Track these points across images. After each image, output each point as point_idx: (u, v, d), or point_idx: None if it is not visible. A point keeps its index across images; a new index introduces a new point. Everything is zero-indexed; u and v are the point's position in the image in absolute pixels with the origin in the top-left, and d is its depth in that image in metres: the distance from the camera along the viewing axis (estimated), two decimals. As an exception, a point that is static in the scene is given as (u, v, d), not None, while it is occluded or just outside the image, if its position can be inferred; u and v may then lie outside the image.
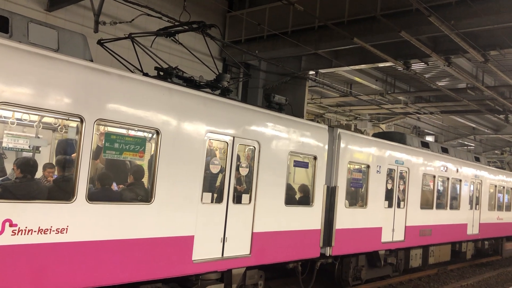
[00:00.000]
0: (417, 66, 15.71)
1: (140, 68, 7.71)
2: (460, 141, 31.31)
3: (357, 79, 17.95)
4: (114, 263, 5.99)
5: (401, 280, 13.45)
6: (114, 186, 6.44)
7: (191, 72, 8.05)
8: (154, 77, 7.13)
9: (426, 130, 28.33)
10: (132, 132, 6.35)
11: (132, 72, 6.99)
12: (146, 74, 7.31)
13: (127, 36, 7.80)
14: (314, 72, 16.23)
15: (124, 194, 6.37)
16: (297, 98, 15.63)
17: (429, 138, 28.45)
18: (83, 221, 5.66)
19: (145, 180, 6.61)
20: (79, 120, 5.69)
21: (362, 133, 20.32)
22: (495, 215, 18.11)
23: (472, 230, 16.30)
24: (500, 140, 30.99)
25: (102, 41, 7.74)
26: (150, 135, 6.53)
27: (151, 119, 6.41)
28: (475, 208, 16.48)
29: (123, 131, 6.33)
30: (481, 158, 18.01)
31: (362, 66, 15.57)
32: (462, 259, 16.84)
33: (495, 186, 18.21)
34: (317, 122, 13.20)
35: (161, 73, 7.44)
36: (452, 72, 14.76)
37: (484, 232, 17.12)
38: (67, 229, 5.51)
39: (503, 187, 18.97)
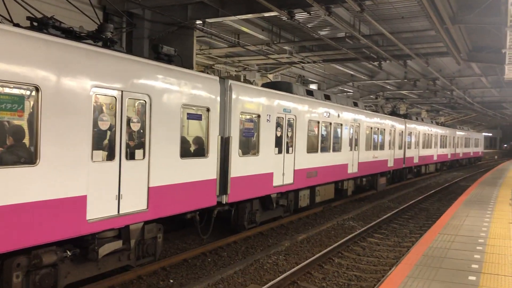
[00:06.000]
0: (300, 16, 16.16)
1: (9, 18, 6.93)
2: (340, 87, 33.40)
3: (244, 29, 18.02)
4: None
5: (292, 220, 14.46)
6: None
7: (69, 23, 7.43)
8: (27, 28, 6.47)
9: (310, 79, 29.66)
10: (7, 90, 5.78)
11: (0, 22, 6.27)
12: (17, 25, 6.60)
13: (-10, -20, 6.90)
14: (201, 22, 15.92)
15: (4, 157, 5.86)
16: (185, 49, 15.27)
17: (313, 86, 29.94)
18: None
19: (27, 140, 6.13)
20: None
21: (251, 83, 20.71)
22: (371, 154, 19.99)
23: (352, 169, 17.89)
24: (374, 85, 33.61)
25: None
26: (28, 92, 6.01)
27: (28, 75, 5.88)
28: (354, 149, 18.02)
29: (-4, 88, 5.74)
30: (359, 103, 19.50)
31: (249, 16, 15.61)
32: (344, 196, 18.49)
33: (371, 128, 19.98)
34: (207, 73, 13.05)
35: (35, 24, 6.79)
36: (332, 22, 15.44)
37: (362, 170, 18.89)
38: None
39: (378, 129, 20.90)
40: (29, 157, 6.02)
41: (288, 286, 8.47)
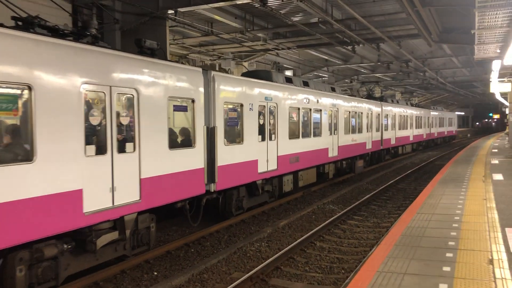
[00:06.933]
0: (273, 2, 16.30)
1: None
2: (315, 73, 33.75)
3: (217, 17, 18.05)
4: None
5: (273, 206, 14.63)
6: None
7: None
8: (12, 28, 6.55)
9: (285, 65, 29.88)
10: (1, 90, 5.88)
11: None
12: (0, 25, 6.65)
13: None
14: (173, 12, 15.84)
15: (2, 155, 5.99)
16: (158, 40, 15.14)
17: (288, 73, 30.18)
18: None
19: (23, 138, 6.27)
20: None
21: (226, 72, 20.83)
22: (350, 138, 20.48)
23: (333, 153, 18.34)
24: (349, 69, 34.08)
25: None
26: (22, 92, 6.13)
27: (21, 75, 6.01)
28: (334, 133, 18.45)
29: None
30: (336, 88, 19.87)
31: (221, 4, 15.54)
32: (325, 179, 18.91)
33: (349, 112, 20.43)
34: (182, 63, 12.95)
35: (20, 23, 6.85)
36: (304, 7, 15.61)
37: (342, 154, 19.36)
38: None
39: (355, 112, 21.38)
40: (26, 155, 6.17)
41: (272, 272, 8.60)
